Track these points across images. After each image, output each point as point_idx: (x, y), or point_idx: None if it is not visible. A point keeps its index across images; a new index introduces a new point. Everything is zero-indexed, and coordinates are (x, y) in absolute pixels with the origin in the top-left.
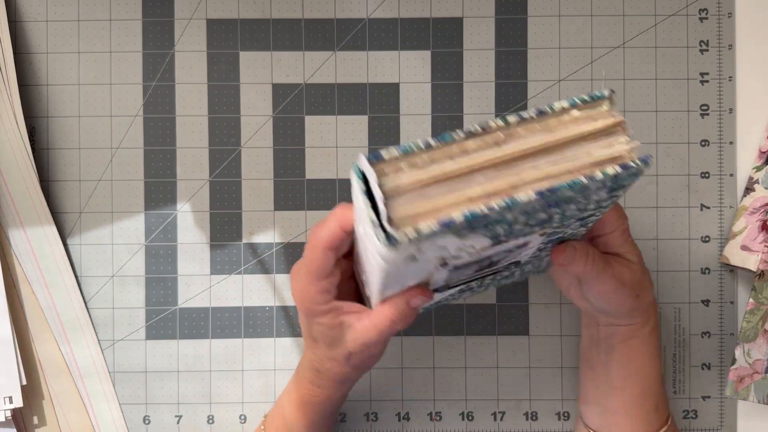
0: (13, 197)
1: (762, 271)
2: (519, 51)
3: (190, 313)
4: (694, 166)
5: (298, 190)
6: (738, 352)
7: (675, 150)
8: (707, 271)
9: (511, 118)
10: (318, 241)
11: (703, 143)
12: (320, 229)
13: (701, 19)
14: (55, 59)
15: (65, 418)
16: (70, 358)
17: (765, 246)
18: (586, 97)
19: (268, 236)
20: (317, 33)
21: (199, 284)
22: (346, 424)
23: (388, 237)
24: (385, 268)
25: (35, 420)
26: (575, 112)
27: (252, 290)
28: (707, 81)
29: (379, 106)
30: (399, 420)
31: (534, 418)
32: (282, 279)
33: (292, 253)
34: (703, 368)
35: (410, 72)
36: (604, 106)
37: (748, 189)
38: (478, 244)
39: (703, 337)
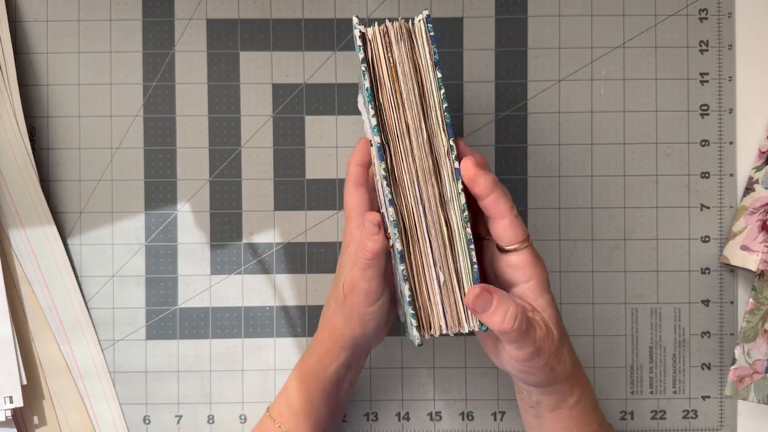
0: (14, 197)
1: (762, 271)
2: (519, 51)
3: (190, 313)
4: (694, 166)
5: (298, 190)
6: (738, 352)
7: (675, 150)
8: (707, 271)
9: None
10: (346, 184)
11: (703, 143)
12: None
13: (701, 19)
14: (55, 59)
15: (65, 418)
16: (71, 357)
17: (765, 246)
18: None
19: (268, 236)
20: (317, 33)
21: (199, 284)
22: (346, 424)
23: None
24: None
25: (35, 420)
26: None
27: (252, 290)
28: (707, 81)
29: None
30: (399, 420)
31: None
32: (282, 279)
33: (292, 253)
34: (703, 368)
35: None
36: None
37: (748, 189)
38: None
39: (703, 337)
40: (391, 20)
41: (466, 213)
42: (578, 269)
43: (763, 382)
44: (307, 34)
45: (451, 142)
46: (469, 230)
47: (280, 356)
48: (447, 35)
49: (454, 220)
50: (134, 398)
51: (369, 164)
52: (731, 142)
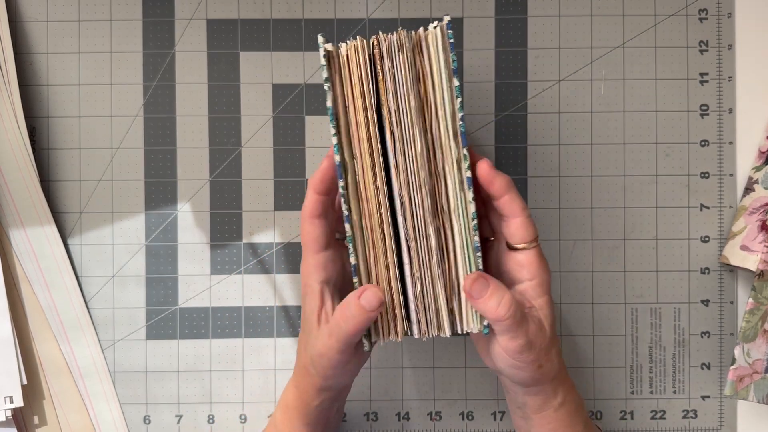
0: (14, 197)
1: (762, 271)
2: (519, 51)
3: (190, 313)
4: (694, 166)
5: (298, 190)
6: (738, 352)
7: (675, 150)
8: (707, 271)
9: None
10: (302, 214)
11: (702, 143)
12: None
13: (701, 19)
14: (56, 59)
15: (65, 418)
16: (71, 357)
17: (765, 246)
18: None
19: (268, 236)
20: (317, 33)
21: (199, 284)
22: (346, 424)
23: None
24: None
25: (35, 420)
26: None
27: (252, 290)
28: (707, 81)
29: None
30: (399, 420)
31: None
32: (282, 279)
33: (292, 253)
34: (702, 368)
35: None
36: None
37: (748, 189)
38: None
39: (702, 337)
40: (385, 32)
41: (475, 222)
42: (578, 269)
43: (763, 382)
44: (307, 34)
45: (465, 151)
46: (477, 237)
47: (281, 356)
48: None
49: (456, 228)
50: (134, 398)
51: (330, 192)
52: (731, 142)
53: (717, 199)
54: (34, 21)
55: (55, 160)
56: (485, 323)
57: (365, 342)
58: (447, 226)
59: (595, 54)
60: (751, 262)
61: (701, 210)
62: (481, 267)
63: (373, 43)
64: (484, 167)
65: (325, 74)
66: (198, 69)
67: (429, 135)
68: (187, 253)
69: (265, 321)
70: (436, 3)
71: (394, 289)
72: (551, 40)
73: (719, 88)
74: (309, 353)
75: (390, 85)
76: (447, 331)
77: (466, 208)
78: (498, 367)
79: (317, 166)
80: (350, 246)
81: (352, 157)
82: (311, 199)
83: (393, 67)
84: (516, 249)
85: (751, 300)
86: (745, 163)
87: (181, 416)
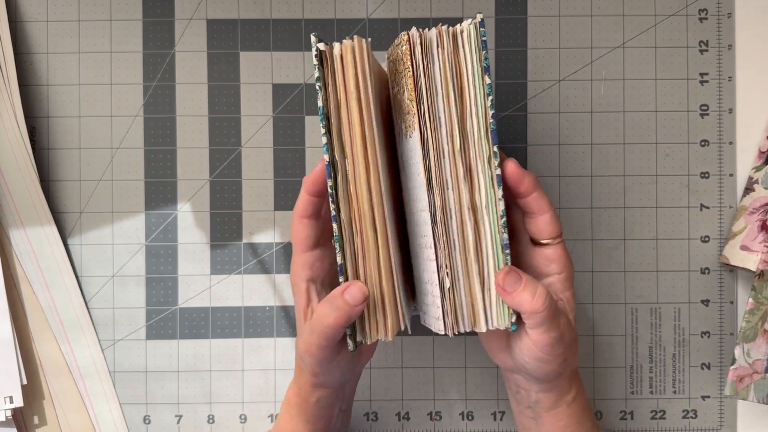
0: (14, 197)
1: (762, 271)
2: (519, 51)
3: (190, 313)
4: (694, 166)
5: (298, 190)
6: (738, 352)
7: (675, 150)
8: (707, 271)
9: None
10: (293, 213)
11: (702, 143)
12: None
13: (701, 19)
14: (55, 59)
15: (65, 418)
16: (71, 357)
17: (765, 246)
18: None
19: (268, 236)
20: (317, 33)
21: (199, 284)
22: None
23: None
24: None
25: (35, 420)
26: None
27: (252, 290)
28: (707, 81)
29: None
30: (399, 420)
31: None
32: (282, 279)
33: (291, 253)
34: (702, 368)
35: None
36: None
37: (748, 189)
38: None
39: (702, 337)
40: (419, 28)
41: (504, 219)
42: (578, 269)
43: (763, 382)
44: (307, 34)
45: (495, 149)
46: (506, 235)
47: (281, 356)
48: None
49: (487, 225)
50: (134, 398)
51: (322, 193)
52: (731, 142)
53: (717, 199)
54: (34, 21)
55: (55, 160)
56: (513, 319)
57: (349, 342)
58: (480, 222)
59: (595, 54)
60: (751, 262)
61: (701, 210)
62: (509, 264)
63: (404, 39)
64: (512, 166)
65: (317, 73)
66: (198, 69)
67: (465, 132)
68: (187, 253)
69: (265, 321)
70: (436, 3)
71: (386, 288)
72: (551, 40)
73: (719, 88)
74: (297, 350)
75: (424, 81)
76: (483, 327)
77: (495, 205)
78: (521, 362)
79: None
80: (337, 246)
81: (343, 157)
82: (303, 199)
83: (432, 63)
84: (542, 244)
85: (751, 300)
86: (745, 163)
87: (181, 416)
